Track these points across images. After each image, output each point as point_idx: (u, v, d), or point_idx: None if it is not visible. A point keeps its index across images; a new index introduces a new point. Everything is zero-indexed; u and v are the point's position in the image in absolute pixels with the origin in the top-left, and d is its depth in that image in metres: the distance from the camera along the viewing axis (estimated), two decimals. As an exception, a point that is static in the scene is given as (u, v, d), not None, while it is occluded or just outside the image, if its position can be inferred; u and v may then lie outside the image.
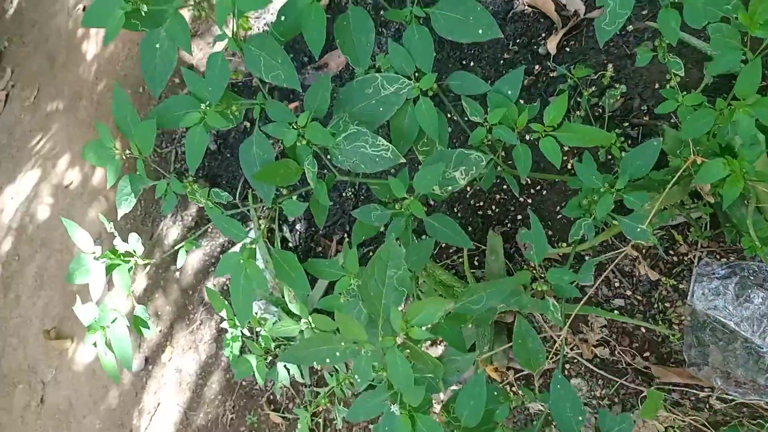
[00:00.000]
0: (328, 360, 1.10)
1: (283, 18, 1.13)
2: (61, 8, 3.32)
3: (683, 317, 1.88)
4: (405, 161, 1.18)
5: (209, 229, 2.66)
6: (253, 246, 1.17)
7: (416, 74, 1.21)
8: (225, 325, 1.55)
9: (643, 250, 1.91)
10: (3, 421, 3.00)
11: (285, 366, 1.61)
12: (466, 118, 1.80)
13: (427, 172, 1.13)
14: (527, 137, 1.26)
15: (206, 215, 2.71)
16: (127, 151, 1.23)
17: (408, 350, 1.07)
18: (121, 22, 1.11)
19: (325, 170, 1.27)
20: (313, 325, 1.36)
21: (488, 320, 1.39)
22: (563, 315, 1.20)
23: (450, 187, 1.17)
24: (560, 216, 2.06)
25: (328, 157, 1.22)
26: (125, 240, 1.30)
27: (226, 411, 2.52)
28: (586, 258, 1.94)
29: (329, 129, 1.20)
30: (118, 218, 1.30)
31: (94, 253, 1.23)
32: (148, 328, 1.26)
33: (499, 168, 1.39)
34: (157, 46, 1.14)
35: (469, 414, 1.10)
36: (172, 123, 1.19)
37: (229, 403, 2.50)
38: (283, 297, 1.67)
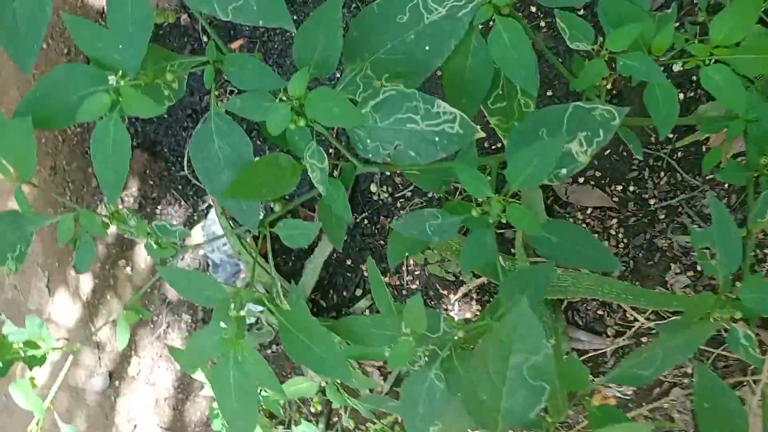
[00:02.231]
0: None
1: None
2: None
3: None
4: (482, 134, 0.68)
5: (158, 211, 2.12)
6: (242, 315, 0.67)
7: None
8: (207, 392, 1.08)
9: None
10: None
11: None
12: (554, 47, 1.22)
13: (537, 151, 0.63)
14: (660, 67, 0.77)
15: (151, 192, 2.16)
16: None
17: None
18: None
19: (336, 157, 0.76)
20: (340, 389, 0.89)
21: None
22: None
23: (564, 171, 0.68)
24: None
25: (342, 140, 0.71)
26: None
27: (217, 425, 2.09)
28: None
29: (340, 92, 0.68)
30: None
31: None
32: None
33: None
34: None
35: None
36: (63, 118, 0.65)
37: (220, 414, 2.07)
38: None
